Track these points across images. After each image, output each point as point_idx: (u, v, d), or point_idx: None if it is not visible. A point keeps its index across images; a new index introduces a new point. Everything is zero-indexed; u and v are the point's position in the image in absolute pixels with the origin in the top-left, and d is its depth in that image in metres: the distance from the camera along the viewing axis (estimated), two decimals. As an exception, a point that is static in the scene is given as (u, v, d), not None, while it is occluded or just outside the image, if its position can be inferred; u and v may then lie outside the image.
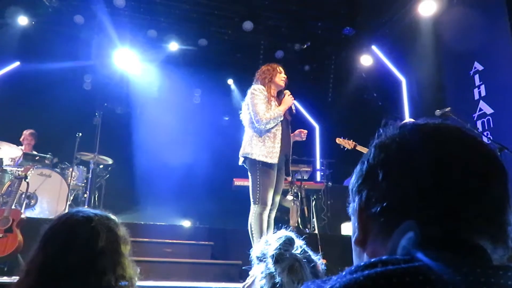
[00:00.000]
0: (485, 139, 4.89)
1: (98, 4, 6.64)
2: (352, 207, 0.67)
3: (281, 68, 4.00)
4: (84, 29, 7.18)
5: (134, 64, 7.70)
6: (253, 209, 3.65)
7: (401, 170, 0.59)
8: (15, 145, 5.62)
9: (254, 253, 1.66)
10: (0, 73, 7.21)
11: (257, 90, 3.82)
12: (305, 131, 4.07)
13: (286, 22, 7.46)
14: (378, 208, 0.60)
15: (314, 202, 6.20)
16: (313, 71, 8.64)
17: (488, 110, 5.27)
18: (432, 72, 6.19)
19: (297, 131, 4.07)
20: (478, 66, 5.48)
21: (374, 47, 7.38)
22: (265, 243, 1.65)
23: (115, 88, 7.79)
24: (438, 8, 6.00)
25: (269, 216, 3.74)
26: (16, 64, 7.29)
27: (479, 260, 0.54)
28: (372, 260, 0.53)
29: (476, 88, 5.48)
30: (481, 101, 5.39)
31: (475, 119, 5.41)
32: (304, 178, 5.90)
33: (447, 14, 5.94)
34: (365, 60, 7.50)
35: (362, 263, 0.53)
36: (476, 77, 5.50)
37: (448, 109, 4.16)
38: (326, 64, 8.46)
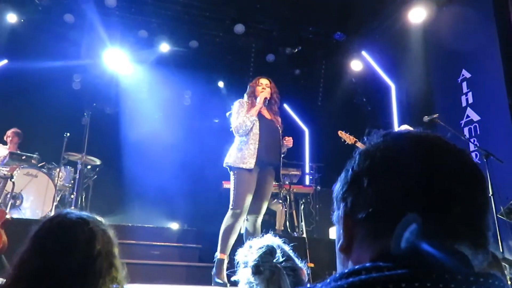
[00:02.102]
0: (471, 146, 4.97)
1: (88, 3, 6.59)
2: (337, 214, 0.68)
3: (261, 80, 4.08)
4: (74, 28, 7.11)
5: (124, 65, 7.65)
6: (228, 211, 3.71)
7: (386, 176, 0.60)
8: (0, 144, 5.55)
9: (239, 257, 1.66)
10: (-13, 70, 7.10)
11: (235, 103, 3.97)
12: (288, 138, 4.05)
13: (277, 26, 7.48)
14: (364, 214, 0.61)
15: (302, 206, 6.22)
16: (303, 75, 8.69)
17: (475, 117, 5.35)
18: (421, 78, 6.26)
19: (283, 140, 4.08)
20: (466, 73, 5.56)
21: (364, 53, 7.44)
22: (249, 248, 1.65)
23: (105, 88, 7.72)
24: (428, 15, 6.08)
25: (255, 222, 3.79)
26: (4, 62, 7.19)
27: (461, 266, 0.54)
28: (356, 267, 0.54)
29: (464, 95, 5.56)
30: (468, 108, 5.47)
31: (462, 125, 5.48)
32: (293, 181, 5.92)
33: (436, 21, 6.03)
34: (355, 65, 7.55)
35: (346, 270, 0.54)
36: (464, 84, 5.58)
37: (436, 115, 4.22)
38: (316, 68, 8.50)
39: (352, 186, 0.64)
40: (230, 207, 3.69)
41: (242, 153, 3.74)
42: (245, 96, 4.09)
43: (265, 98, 3.94)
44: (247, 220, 3.84)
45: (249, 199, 3.71)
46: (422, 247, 0.53)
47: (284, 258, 1.57)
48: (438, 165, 0.59)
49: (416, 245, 0.54)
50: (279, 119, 4.11)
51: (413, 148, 0.62)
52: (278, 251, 1.59)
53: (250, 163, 3.68)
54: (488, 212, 0.60)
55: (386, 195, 0.59)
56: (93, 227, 1.28)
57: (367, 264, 0.54)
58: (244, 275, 1.60)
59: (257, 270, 1.54)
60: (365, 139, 0.68)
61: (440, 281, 0.51)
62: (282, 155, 4.05)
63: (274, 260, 1.56)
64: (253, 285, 1.55)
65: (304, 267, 1.64)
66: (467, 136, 5.30)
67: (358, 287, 0.50)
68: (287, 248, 1.64)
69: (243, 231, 3.93)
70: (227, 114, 4.10)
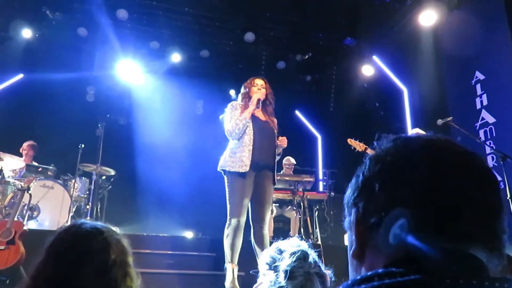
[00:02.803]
0: (487, 149, 4.89)
1: (101, 16, 6.71)
2: (349, 220, 0.68)
3: (256, 80, 3.96)
4: (87, 41, 7.25)
5: (137, 75, 7.75)
6: (227, 221, 3.63)
7: (398, 181, 0.60)
8: (17, 157, 5.64)
9: (264, 259, 1.64)
10: (4, 85, 7.26)
11: (228, 106, 3.88)
12: (282, 138, 3.88)
13: (287, 33, 7.51)
14: (376, 219, 0.60)
15: (317, 212, 6.18)
16: (314, 81, 8.68)
17: (490, 119, 5.27)
18: (433, 81, 6.20)
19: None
20: (479, 75, 5.50)
21: (375, 57, 7.41)
22: (276, 250, 1.63)
23: (118, 99, 7.82)
24: (438, 18, 6.04)
25: (261, 230, 3.66)
26: (20, 76, 7.34)
27: (475, 271, 0.54)
28: (369, 273, 0.54)
29: (478, 98, 5.49)
30: (483, 110, 5.40)
31: (477, 128, 5.41)
32: (307, 188, 5.89)
33: (447, 24, 5.98)
34: (367, 70, 7.53)
35: (358, 277, 0.54)
36: (478, 86, 5.51)
37: (449, 118, 4.17)
38: (327, 74, 8.49)
39: (363, 192, 0.64)
40: (228, 215, 3.61)
41: (236, 156, 3.63)
42: (239, 97, 3.98)
43: (259, 100, 3.81)
44: (252, 228, 3.71)
45: (246, 203, 3.61)
46: (409, 241, 0.53)
47: (314, 263, 1.57)
48: (449, 169, 0.59)
49: (404, 239, 0.54)
50: (275, 120, 3.97)
51: (424, 152, 0.62)
52: (311, 257, 1.57)
53: (245, 166, 3.57)
54: (503, 214, 0.59)
55: (398, 199, 0.59)
56: (107, 236, 1.29)
57: (380, 270, 0.53)
58: (270, 278, 1.58)
59: (291, 275, 1.52)
60: (375, 144, 0.68)
61: (454, 286, 0.50)
62: (278, 157, 3.90)
63: (307, 266, 1.54)
64: None
65: (328, 273, 1.62)
66: (483, 138, 5.23)
67: None
68: (313, 253, 1.63)
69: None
70: (220, 117, 3.99)
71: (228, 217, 3.62)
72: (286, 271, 1.53)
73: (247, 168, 3.58)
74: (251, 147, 3.65)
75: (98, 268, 1.22)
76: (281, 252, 1.62)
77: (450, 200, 0.57)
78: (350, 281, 0.54)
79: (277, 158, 3.93)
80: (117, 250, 1.28)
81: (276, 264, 1.59)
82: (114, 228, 1.39)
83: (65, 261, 1.22)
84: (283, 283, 1.52)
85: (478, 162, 0.62)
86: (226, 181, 3.70)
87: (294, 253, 1.58)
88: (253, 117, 3.78)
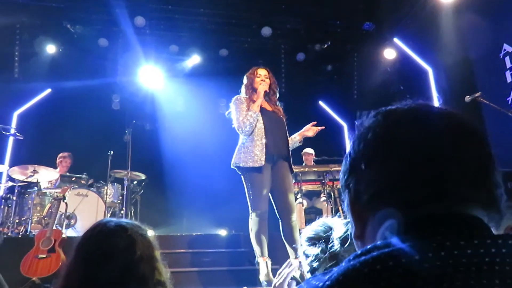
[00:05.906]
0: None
1: (119, 26, 6.84)
2: (346, 203, 0.67)
3: (259, 70, 3.92)
4: (109, 50, 7.41)
5: (159, 80, 7.86)
6: (250, 216, 3.61)
7: (381, 155, 0.59)
8: (51, 168, 5.83)
9: (306, 234, 1.58)
10: (34, 100, 7.51)
11: (233, 100, 3.85)
12: (315, 128, 3.88)
13: (304, 24, 7.44)
14: (367, 197, 0.60)
15: (348, 201, 6.12)
16: (336, 70, 8.57)
17: (523, 92, 5.07)
18: (459, 58, 6.01)
19: (307, 126, 3.91)
20: (507, 47, 5.29)
21: (396, 40, 7.25)
22: (322, 225, 1.58)
23: (143, 105, 7.97)
24: (459, -8, 5.85)
25: (290, 220, 3.63)
26: (48, 91, 7.57)
27: (475, 231, 0.53)
28: (368, 247, 0.54)
29: (508, 71, 5.28)
30: (514, 84, 5.20)
31: (509, 102, 5.21)
32: (336, 178, 5.83)
33: (468, -2, 5.78)
34: (388, 54, 7.37)
35: (359, 252, 0.54)
36: (507, 59, 5.30)
37: (478, 94, 4.02)
38: (348, 62, 8.36)
39: (352, 172, 0.64)
40: (250, 210, 3.59)
41: (249, 151, 3.59)
42: (243, 88, 3.95)
43: (265, 91, 3.79)
44: (281, 222, 3.67)
45: (266, 195, 3.59)
46: (391, 242, 0.52)
47: None
48: (431, 133, 0.58)
49: (388, 240, 0.53)
50: (281, 109, 3.95)
51: (404, 122, 0.61)
52: None
53: (260, 160, 3.53)
54: (493, 168, 0.58)
55: (384, 174, 0.58)
56: (132, 233, 1.31)
57: (378, 243, 0.54)
58: (313, 251, 1.54)
59: (334, 257, 1.49)
60: (356, 122, 0.67)
61: (455, 248, 0.49)
62: (300, 143, 3.92)
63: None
64: (339, 255, 1.49)
65: None
66: (516, 112, 5.03)
67: (371, 265, 0.50)
68: None
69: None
70: (226, 113, 3.96)
71: (250, 211, 3.61)
72: (340, 237, 1.48)
73: (263, 162, 3.54)
74: (264, 139, 3.61)
75: (125, 265, 1.24)
76: (328, 226, 1.57)
77: (437, 164, 0.55)
78: (351, 256, 0.54)
79: (299, 144, 3.93)
80: (143, 245, 1.30)
81: (327, 234, 1.54)
82: (138, 224, 1.41)
83: (93, 260, 1.25)
84: (338, 249, 1.47)
85: (457, 120, 0.60)
86: (242, 177, 3.66)
87: (348, 222, 1.51)
88: (261, 109, 3.75)
